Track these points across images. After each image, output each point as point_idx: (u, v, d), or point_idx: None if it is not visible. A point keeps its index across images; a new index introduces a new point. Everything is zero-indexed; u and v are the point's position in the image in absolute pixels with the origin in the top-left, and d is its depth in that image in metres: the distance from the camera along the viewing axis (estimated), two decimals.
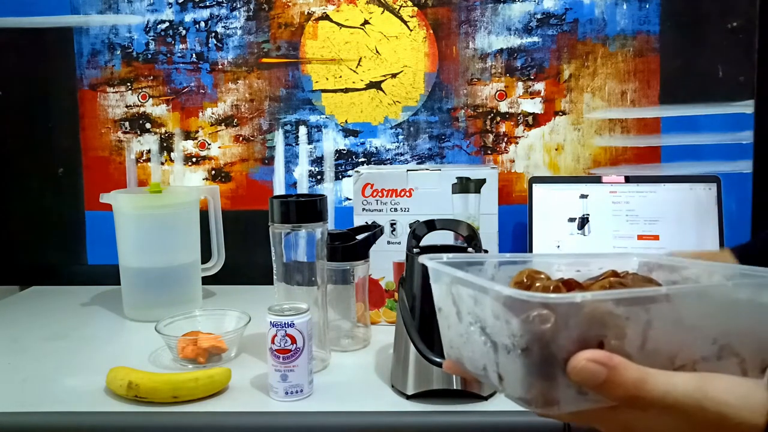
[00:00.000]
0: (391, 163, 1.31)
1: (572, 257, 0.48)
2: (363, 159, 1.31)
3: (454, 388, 0.77)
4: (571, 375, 0.36)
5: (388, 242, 1.05)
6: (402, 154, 1.31)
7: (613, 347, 0.37)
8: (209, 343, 0.89)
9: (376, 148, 1.31)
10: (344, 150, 1.32)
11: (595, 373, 0.36)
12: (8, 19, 1.31)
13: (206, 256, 1.21)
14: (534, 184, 1.19)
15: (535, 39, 1.27)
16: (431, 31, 1.28)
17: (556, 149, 1.29)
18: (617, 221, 1.17)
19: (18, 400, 0.80)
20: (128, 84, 1.32)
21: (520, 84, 1.28)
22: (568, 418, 0.42)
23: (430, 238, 0.84)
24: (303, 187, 1.33)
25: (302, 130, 1.32)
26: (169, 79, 1.32)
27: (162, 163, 1.34)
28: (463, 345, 0.43)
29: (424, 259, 0.46)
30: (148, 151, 1.33)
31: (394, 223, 1.04)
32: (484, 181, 1.03)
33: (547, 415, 0.40)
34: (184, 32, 1.31)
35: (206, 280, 1.20)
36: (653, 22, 1.26)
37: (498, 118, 1.29)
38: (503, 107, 1.29)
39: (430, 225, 0.84)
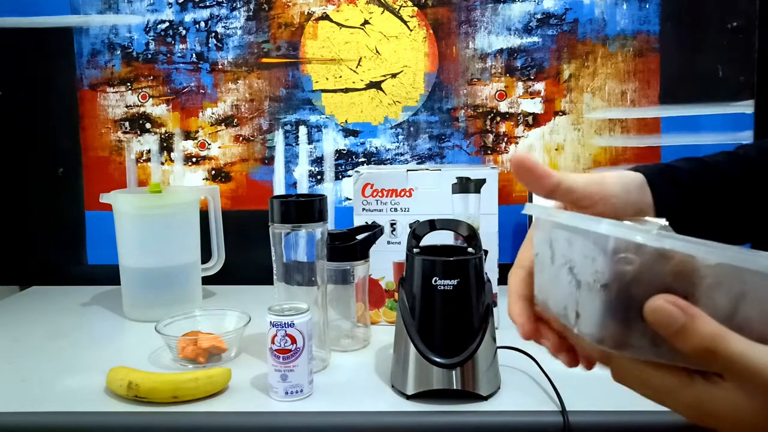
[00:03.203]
0: (391, 163, 1.31)
1: None
2: (363, 159, 1.31)
3: (454, 388, 0.77)
4: (647, 315, 0.35)
5: (388, 242, 1.04)
6: (402, 154, 1.31)
7: (699, 307, 0.35)
8: (209, 343, 0.89)
9: (376, 148, 1.31)
10: (344, 150, 1.32)
11: (672, 315, 0.34)
12: (8, 19, 1.31)
13: (206, 256, 1.21)
14: None
15: (535, 39, 1.27)
16: (431, 31, 1.28)
17: (556, 149, 1.29)
18: None
19: (18, 400, 0.80)
20: (128, 84, 1.32)
21: (520, 84, 1.28)
22: (639, 381, 0.39)
23: (430, 238, 0.84)
24: (303, 187, 1.33)
25: (302, 130, 1.32)
26: (169, 79, 1.32)
27: (162, 163, 1.34)
28: (551, 287, 0.44)
29: (529, 208, 0.47)
30: (148, 151, 1.34)
31: (394, 223, 1.04)
32: (484, 181, 1.03)
33: (620, 368, 0.39)
34: (184, 32, 1.31)
35: (206, 280, 1.20)
36: (653, 22, 1.26)
37: (498, 118, 1.29)
38: (503, 107, 1.29)
39: (430, 225, 0.84)
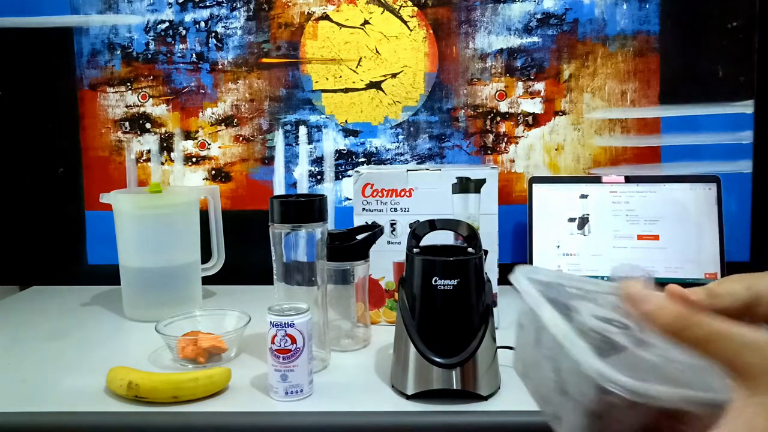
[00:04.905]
0: (391, 163, 1.31)
1: None
2: (363, 159, 1.31)
3: (454, 388, 0.77)
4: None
5: (388, 242, 1.04)
6: (402, 154, 1.31)
7: None
8: (209, 343, 0.89)
9: (376, 148, 1.31)
10: (344, 150, 1.32)
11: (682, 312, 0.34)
12: (8, 19, 1.31)
13: (206, 256, 1.21)
14: (534, 184, 1.19)
15: (535, 39, 1.27)
16: (431, 31, 1.28)
17: (556, 149, 1.29)
18: (617, 221, 1.17)
19: (18, 400, 0.80)
20: (128, 84, 1.32)
21: (520, 84, 1.28)
22: None
23: (430, 238, 0.84)
24: (303, 187, 1.33)
25: (302, 130, 1.32)
26: (169, 79, 1.32)
27: (162, 163, 1.34)
28: (532, 368, 0.43)
29: (519, 278, 0.42)
30: (148, 151, 1.34)
31: (394, 223, 1.04)
32: (484, 181, 1.03)
33: None
34: (184, 32, 1.31)
35: (206, 280, 1.20)
36: (653, 22, 1.26)
37: (498, 118, 1.29)
38: (503, 107, 1.29)
39: (430, 225, 0.84)
